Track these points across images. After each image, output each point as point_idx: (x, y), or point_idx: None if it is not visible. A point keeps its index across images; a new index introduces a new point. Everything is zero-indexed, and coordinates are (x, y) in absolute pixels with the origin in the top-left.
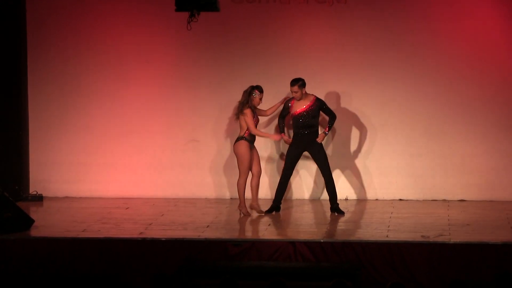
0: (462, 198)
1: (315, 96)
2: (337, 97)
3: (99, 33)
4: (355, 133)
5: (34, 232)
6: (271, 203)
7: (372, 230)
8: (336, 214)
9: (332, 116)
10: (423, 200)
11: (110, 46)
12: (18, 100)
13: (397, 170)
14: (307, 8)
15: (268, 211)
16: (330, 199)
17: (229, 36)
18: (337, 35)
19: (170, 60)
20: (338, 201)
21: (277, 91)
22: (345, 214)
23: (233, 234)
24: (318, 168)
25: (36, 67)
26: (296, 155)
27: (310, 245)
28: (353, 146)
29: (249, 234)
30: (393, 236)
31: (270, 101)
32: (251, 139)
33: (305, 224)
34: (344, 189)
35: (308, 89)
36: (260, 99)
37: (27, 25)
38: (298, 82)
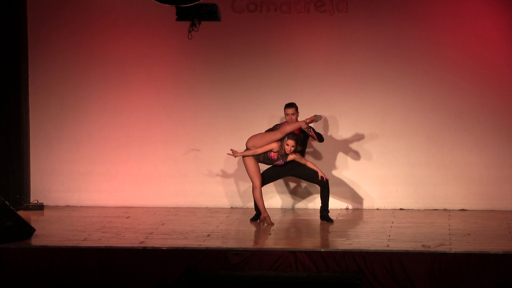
0: (463, 208)
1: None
2: (337, 105)
3: (100, 43)
4: (354, 142)
5: (35, 241)
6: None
7: (372, 240)
8: (325, 222)
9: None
10: (424, 209)
11: (111, 56)
12: (19, 108)
13: (397, 179)
14: (308, 17)
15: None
16: (321, 206)
17: (230, 45)
18: (338, 44)
19: (171, 69)
20: (329, 209)
21: (277, 100)
22: (333, 223)
23: (234, 244)
24: (312, 182)
25: (37, 75)
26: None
27: (311, 254)
28: (353, 155)
29: (250, 244)
30: (394, 246)
31: (271, 109)
32: None
33: (306, 233)
34: (344, 198)
35: (309, 97)
36: (291, 146)
37: (28, 34)
38: (294, 105)
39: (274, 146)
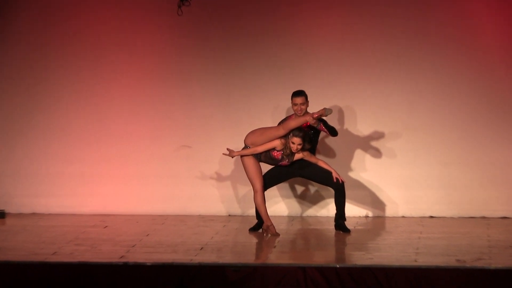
0: (504, 215)
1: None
2: (354, 93)
3: (74, 20)
4: (375, 137)
5: None
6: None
7: (397, 253)
8: (341, 232)
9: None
10: (458, 217)
11: (86, 35)
12: None
13: (426, 182)
14: None
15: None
16: (335, 213)
17: (226, 24)
18: (354, 21)
19: (158, 52)
20: (346, 217)
21: (283, 88)
22: (350, 233)
23: (232, 258)
24: (325, 185)
25: None
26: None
27: (323, 271)
28: (373, 152)
29: (250, 258)
30: (423, 260)
31: (275, 99)
32: None
33: (317, 245)
34: (363, 204)
35: (320, 85)
36: (298, 144)
37: None
38: (304, 93)
39: (277, 144)
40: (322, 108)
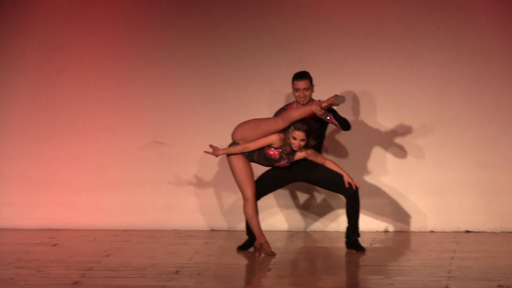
0: None
1: (319, 100)
2: (371, 78)
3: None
4: (397, 134)
5: None
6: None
7: (424, 278)
8: (354, 251)
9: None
10: (501, 231)
11: (35, 6)
12: None
13: (461, 188)
14: None
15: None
16: (347, 228)
17: None
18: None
19: (124, 27)
20: (360, 232)
21: (282, 71)
22: (365, 252)
23: (216, 284)
24: (334, 192)
25: None
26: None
27: None
28: (395, 151)
29: (239, 284)
30: (456, 286)
31: (272, 83)
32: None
33: (324, 267)
34: (382, 216)
35: (328, 67)
36: (300, 140)
37: None
38: (308, 75)
39: (274, 139)
40: (333, 95)
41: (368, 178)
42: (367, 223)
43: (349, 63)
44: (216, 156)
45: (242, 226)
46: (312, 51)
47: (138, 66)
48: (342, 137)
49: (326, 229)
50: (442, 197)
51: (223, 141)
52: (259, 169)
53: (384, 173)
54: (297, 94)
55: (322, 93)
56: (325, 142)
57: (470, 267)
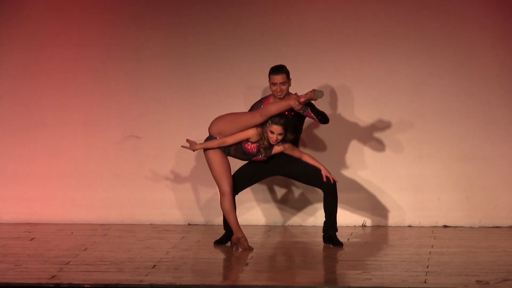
0: None
1: (296, 94)
2: (349, 71)
3: None
4: (376, 128)
5: None
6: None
7: (402, 273)
8: (331, 246)
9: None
10: (480, 226)
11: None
12: None
13: (439, 182)
14: None
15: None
16: (325, 222)
17: None
18: None
19: (96, 22)
20: (338, 227)
21: (258, 64)
22: (343, 247)
23: (192, 278)
24: (312, 185)
25: None
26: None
27: None
28: (374, 145)
29: (216, 278)
30: (434, 281)
31: (248, 76)
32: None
33: (301, 262)
34: (360, 210)
35: (306, 60)
36: (278, 135)
37: None
38: (285, 69)
39: (252, 134)
40: (311, 90)
41: (346, 172)
42: (345, 217)
43: (326, 57)
44: (193, 150)
45: (219, 220)
46: (289, 45)
47: (114, 61)
48: (320, 131)
49: (304, 224)
50: (420, 192)
51: (200, 136)
52: (236, 163)
53: (362, 167)
54: (273, 88)
55: (299, 87)
56: (303, 136)
57: (448, 262)
